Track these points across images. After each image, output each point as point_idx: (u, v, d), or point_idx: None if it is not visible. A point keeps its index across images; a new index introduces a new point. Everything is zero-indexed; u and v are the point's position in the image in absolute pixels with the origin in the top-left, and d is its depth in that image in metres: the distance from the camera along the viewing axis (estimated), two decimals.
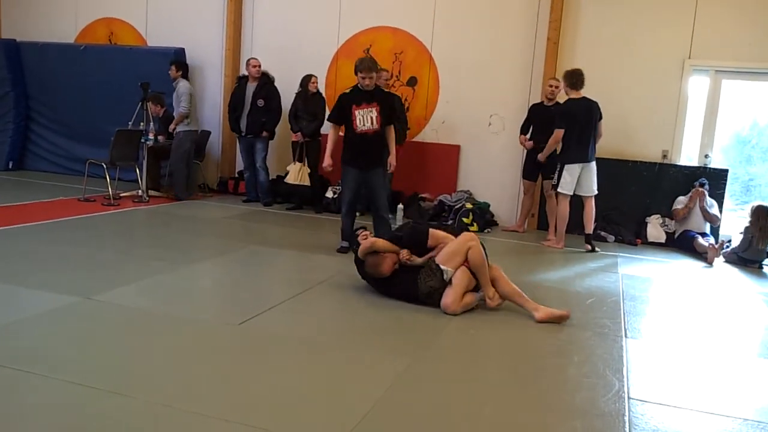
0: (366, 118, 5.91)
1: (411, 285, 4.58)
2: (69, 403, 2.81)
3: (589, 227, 7.17)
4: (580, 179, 6.99)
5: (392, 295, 4.69)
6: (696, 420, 3.13)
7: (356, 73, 5.93)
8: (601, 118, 7.01)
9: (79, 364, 3.20)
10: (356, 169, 6.03)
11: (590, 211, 7.11)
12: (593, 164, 7.01)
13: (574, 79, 6.94)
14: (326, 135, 6.27)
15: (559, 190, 7.06)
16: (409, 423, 2.88)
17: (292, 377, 3.27)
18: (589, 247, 7.10)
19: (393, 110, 6.18)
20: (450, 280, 4.51)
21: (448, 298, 4.46)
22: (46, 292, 4.29)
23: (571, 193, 7.06)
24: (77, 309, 4.04)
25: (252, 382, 3.17)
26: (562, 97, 7.61)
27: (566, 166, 6.98)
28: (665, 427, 3.02)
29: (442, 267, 4.53)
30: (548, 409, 3.15)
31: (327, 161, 6.06)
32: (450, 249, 4.58)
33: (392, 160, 6.14)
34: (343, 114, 5.98)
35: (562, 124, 6.97)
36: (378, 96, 6.00)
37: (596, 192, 7.06)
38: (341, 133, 6.10)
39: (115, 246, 5.99)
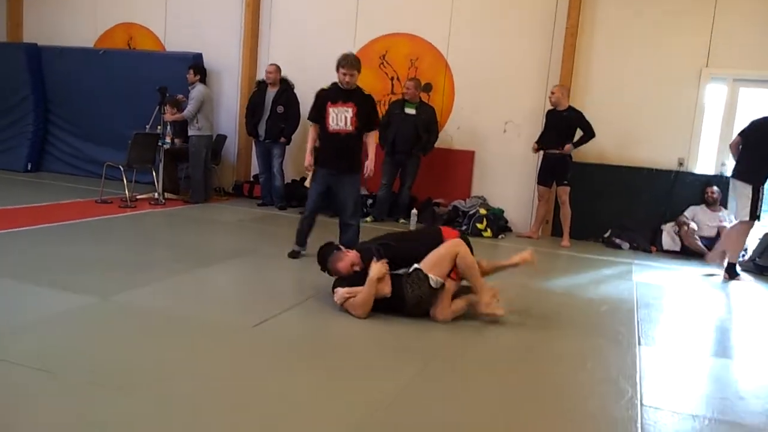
0: (340, 117, 5.61)
1: (394, 295, 4.27)
2: (82, 402, 2.84)
3: (733, 256, 6.56)
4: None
5: (376, 308, 4.31)
6: (709, 428, 3.10)
7: (337, 69, 5.56)
8: None
9: (94, 364, 3.24)
10: (326, 171, 5.75)
11: (738, 237, 6.57)
12: (735, 182, 6.52)
13: None
14: None
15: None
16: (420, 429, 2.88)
17: (304, 380, 3.29)
18: (727, 276, 6.50)
19: (372, 114, 5.79)
20: (438, 287, 4.28)
21: (437, 307, 4.30)
22: (62, 292, 4.35)
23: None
24: (93, 309, 4.09)
25: (265, 384, 3.19)
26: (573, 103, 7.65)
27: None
28: None
29: (429, 275, 4.25)
30: (560, 415, 3.14)
31: (308, 160, 5.80)
32: (436, 255, 4.31)
33: (370, 164, 5.75)
34: (319, 111, 5.72)
35: (741, 132, 6.58)
36: (356, 97, 5.64)
37: (745, 219, 6.38)
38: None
39: (131, 248, 6.05)
